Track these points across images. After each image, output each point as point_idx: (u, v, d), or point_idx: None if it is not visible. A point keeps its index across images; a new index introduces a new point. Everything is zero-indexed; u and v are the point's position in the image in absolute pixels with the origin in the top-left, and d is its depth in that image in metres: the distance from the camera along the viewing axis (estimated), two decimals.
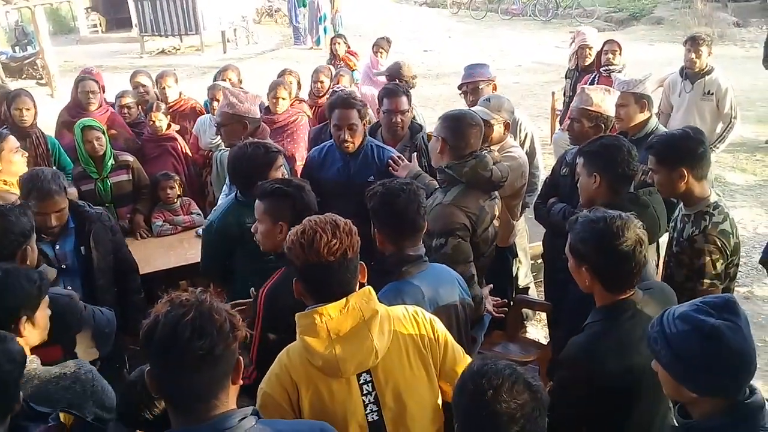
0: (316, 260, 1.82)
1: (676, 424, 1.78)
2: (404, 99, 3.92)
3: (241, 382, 1.57)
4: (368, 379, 1.86)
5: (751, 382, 1.67)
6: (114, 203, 4.56)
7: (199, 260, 4.05)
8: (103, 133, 4.47)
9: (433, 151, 3.18)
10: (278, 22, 21.60)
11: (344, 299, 1.83)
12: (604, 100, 3.58)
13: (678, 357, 1.65)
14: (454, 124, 3.09)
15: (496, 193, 3.17)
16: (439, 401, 2.01)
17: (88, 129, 4.41)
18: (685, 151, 2.80)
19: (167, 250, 4.42)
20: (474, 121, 3.11)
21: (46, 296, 2.27)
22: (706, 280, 2.74)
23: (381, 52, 6.99)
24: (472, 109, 3.83)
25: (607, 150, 2.89)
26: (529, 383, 1.56)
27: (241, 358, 1.55)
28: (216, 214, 3.33)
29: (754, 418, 1.64)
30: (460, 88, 4.57)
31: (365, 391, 1.86)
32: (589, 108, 3.55)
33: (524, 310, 4.29)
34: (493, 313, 3.05)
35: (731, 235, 2.80)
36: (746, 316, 1.67)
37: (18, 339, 2.08)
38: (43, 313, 2.24)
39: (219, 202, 3.87)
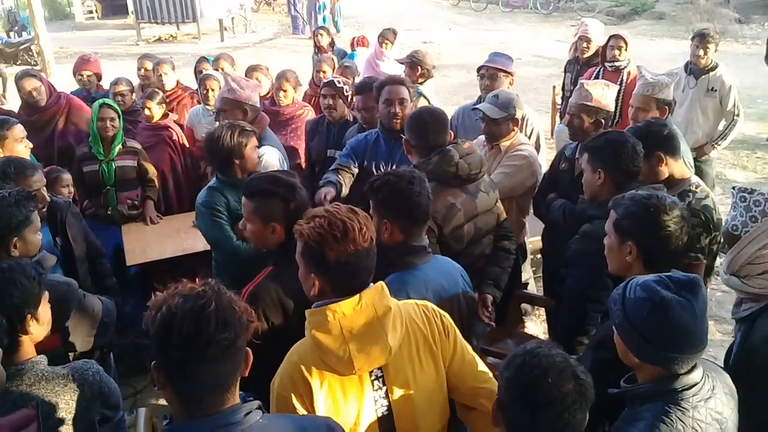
0: (354, 249, 1.79)
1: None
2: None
3: (245, 374, 1.56)
4: (379, 375, 1.84)
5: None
6: (116, 187, 4.54)
7: (196, 250, 4.04)
8: (119, 117, 4.45)
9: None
10: (276, 11, 21.52)
11: (357, 296, 1.79)
12: (604, 95, 3.51)
13: (628, 320, 1.74)
14: (413, 124, 3.05)
15: (481, 187, 3.05)
16: (446, 398, 1.99)
17: (105, 107, 4.38)
18: (653, 136, 2.97)
19: (163, 239, 4.38)
20: (432, 116, 3.05)
21: (46, 290, 2.19)
22: (691, 254, 2.88)
23: (386, 43, 6.93)
24: (480, 106, 3.79)
25: (612, 146, 2.84)
26: (577, 375, 1.57)
27: (249, 350, 1.54)
28: (200, 196, 3.32)
29: (678, 393, 1.70)
30: (478, 70, 4.51)
31: (376, 387, 1.83)
32: (588, 103, 3.48)
33: (523, 306, 4.26)
34: (492, 324, 2.97)
35: (714, 211, 2.97)
36: (706, 299, 1.73)
37: (24, 337, 2.05)
38: (45, 308, 2.17)
39: None
